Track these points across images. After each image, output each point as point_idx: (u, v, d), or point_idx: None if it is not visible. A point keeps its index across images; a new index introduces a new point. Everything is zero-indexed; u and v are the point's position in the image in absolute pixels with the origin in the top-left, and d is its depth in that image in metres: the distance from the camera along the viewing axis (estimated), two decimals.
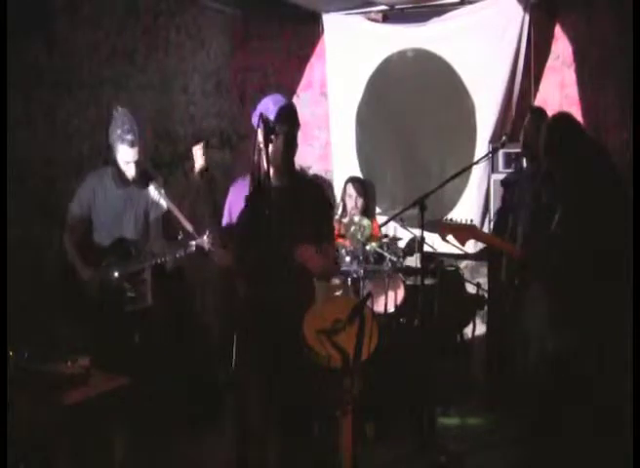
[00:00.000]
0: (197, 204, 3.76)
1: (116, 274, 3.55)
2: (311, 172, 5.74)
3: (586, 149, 3.03)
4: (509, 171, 4.64)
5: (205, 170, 3.40)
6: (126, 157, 3.59)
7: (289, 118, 2.74)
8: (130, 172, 3.63)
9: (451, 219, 3.42)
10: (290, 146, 2.76)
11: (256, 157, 2.75)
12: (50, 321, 3.90)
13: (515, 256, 3.25)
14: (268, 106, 2.73)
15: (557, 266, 2.93)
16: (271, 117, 2.67)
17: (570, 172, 3.03)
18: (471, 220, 3.45)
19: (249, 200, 2.77)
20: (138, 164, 3.64)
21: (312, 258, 2.67)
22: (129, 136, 3.54)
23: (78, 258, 3.62)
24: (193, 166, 3.43)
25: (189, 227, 3.42)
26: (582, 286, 2.87)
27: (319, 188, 2.92)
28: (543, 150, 3.18)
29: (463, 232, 3.27)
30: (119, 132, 3.57)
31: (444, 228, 3.34)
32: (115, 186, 3.67)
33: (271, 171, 2.67)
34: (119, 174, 3.66)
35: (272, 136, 2.62)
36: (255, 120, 2.72)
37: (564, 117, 3.21)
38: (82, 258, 3.62)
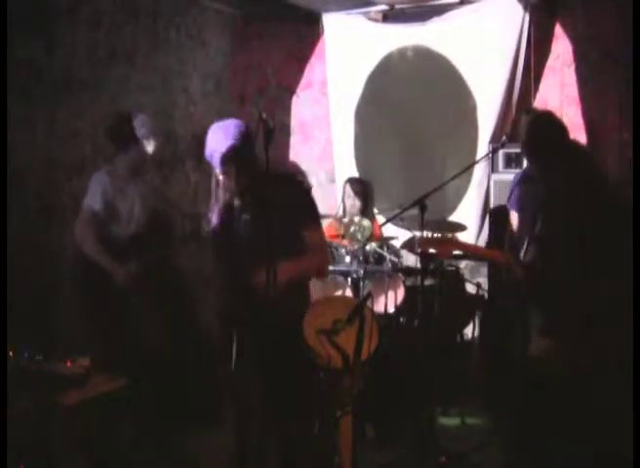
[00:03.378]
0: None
1: (135, 268, 3.63)
2: (311, 171, 5.75)
3: (564, 150, 3.00)
4: (509, 171, 4.64)
5: None
6: (148, 151, 3.77)
7: (232, 160, 2.72)
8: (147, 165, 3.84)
9: (431, 234, 3.37)
10: (248, 171, 2.75)
11: (215, 187, 2.81)
12: (54, 320, 3.91)
13: (500, 263, 3.22)
14: (212, 155, 2.74)
15: (544, 269, 2.92)
16: (216, 160, 2.72)
17: (546, 173, 3.02)
18: (452, 235, 3.39)
19: (220, 219, 2.83)
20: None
21: (284, 275, 2.63)
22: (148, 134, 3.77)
23: (108, 258, 3.60)
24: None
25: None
26: (572, 288, 2.86)
27: (294, 184, 2.88)
28: (523, 151, 3.17)
29: (444, 245, 3.25)
30: (142, 130, 3.73)
31: (424, 244, 3.32)
32: (126, 180, 3.74)
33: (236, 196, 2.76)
34: (130, 167, 3.74)
35: (272, 136, 2.62)
36: (207, 155, 2.77)
37: (542, 117, 3.16)
38: (110, 257, 3.61)
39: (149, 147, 3.78)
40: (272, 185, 2.70)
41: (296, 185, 2.88)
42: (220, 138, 2.72)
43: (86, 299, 3.71)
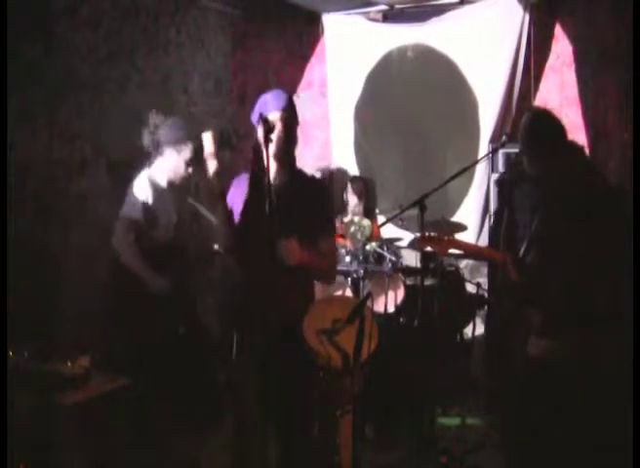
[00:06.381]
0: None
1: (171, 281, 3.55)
2: (310, 171, 5.75)
3: (562, 149, 2.98)
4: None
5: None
6: (187, 155, 3.62)
7: (289, 115, 2.75)
8: (187, 170, 3.64)
9: (432, 233, 3.38)
10: (290, 143, 2.76)
11: (254, 155, 2.76)
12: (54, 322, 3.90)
13: (496, 261, 3.21)
14: (268, 104, 2.74)
15: (541, 269, 2.91)
16: (271, 114, 2.68)
17: (545, 172, 3.01)
18: (452, 235, 3.39)
19: (248, 198, 2.77)
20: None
21: (295, 254, 2.65)
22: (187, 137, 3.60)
23: (148, 270, 3.50)
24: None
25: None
26: (570, 289, 2.85)
27: (318, 185, 2.88)
28: (521, 149, 3.15)
29: (443, 244, 3.25)
30: (181, 133, 3.59)
31: (423, 241, 3.33)
32: (166, 189, 3.65)
33: (272, 168, 2.67)
34: (166, 177, 3.64)
35: (271, 136, 2.62)
36: (254, 118, 2.74)
37: (541, 116, 3.14)
38: (150, 269, 3.50)
39: (187, 152, 3.62)
40: (301, 179, 2.79)
41: (323, 188, 2.93)
42: (275, 94, 2.79)
43: (116, 305, 3.61)
